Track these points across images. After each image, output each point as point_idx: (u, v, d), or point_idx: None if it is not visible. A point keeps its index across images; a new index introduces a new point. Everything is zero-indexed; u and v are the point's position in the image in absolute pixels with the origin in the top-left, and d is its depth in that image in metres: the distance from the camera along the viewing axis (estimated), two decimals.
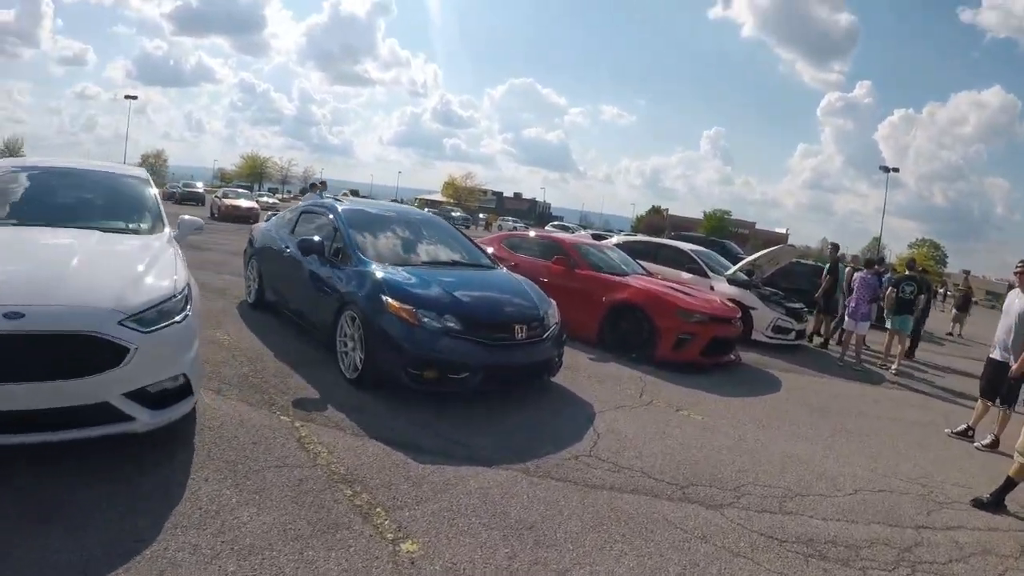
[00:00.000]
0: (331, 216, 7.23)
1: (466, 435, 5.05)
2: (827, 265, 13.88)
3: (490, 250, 10.30)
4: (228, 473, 3.84)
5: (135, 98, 76.61)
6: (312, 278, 6.81)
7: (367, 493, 3.87)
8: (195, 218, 5.91)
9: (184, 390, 3.98)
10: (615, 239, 15.70)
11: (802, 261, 17.44)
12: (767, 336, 11.23)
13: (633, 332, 8.69)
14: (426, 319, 5.55)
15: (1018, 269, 6.97)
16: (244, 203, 30.36)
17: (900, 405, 8.82)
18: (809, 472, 5.43)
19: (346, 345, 6.01)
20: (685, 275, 12.06)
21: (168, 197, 43.84)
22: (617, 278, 9.42)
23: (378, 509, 3.69)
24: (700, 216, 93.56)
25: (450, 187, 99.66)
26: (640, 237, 17.75)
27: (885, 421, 7.69)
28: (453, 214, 59.66)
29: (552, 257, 9.84)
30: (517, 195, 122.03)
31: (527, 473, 4.55)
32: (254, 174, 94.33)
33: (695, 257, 12.66)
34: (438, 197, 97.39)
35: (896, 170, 57.95)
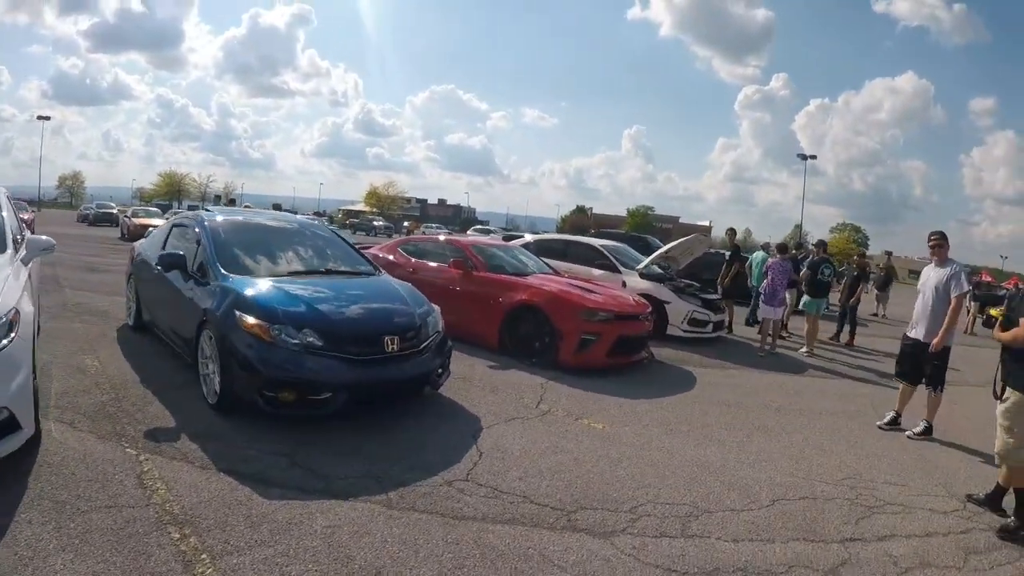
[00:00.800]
0: (197, 228, 6.59)
1: (328, 463, 4.41)
2: (728, 253, 13.52)
3: (391, 257, 9.72)
4: (54, 515, 3.40)
5: (48, 118, 76.01)
6: (176, 295, 6.20)
7: (196, 536, 3.34)
8: (46, 238, 5.54)
9: (8, 425, 3.59)
10: (528, 238, 15.03)
11: (721, 251, 17.07)
12: (683, 330, 10.62)
13: (534, 335, 7.97)
14: (282, 335, 4.96)
15: (932, 241, 6.48)
16: (155, 221, 28.17)
17: (824, 395, 8.26)
18: (720, 482, 4.73)
19: (207, 367, 5.40)
20: (596, 272, 11.45)
21: (82, 219, 43.55)
22: (517, 279, 8.68)
23: (204, 556, 3.17)
24: (624, 214, 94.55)
25: (373, 196, 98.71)
26: (550, 235, 17.10)
27: (808, 415, 7.09)
28: (375, 223, 59.30)
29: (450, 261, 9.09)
30: (441, 201, 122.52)
31: (388, 506, 3.88)
32: (172, 192, 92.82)
33: (606, 253, 12.03)
34: (362, 207, 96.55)
35: (814, 157, 59.56)
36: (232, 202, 21.62)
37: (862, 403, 7.90)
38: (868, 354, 12.07)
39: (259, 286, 5.51)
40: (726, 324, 12.24)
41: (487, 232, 41.53)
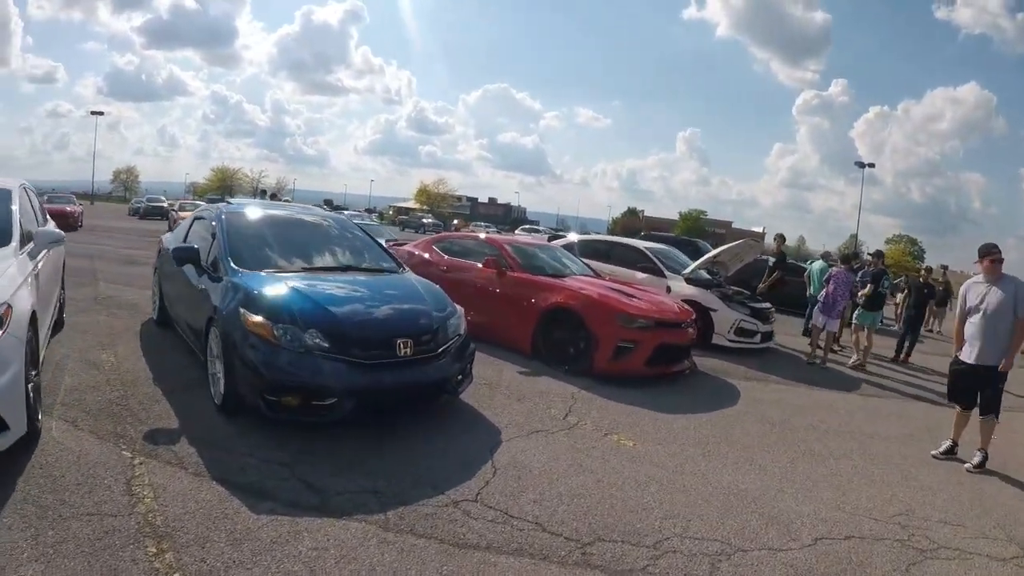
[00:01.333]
0: (214, 222, 6.35)
1: (328, 475, 4.15)
2: (772, 259, 12.78)
3: (426, 255, 9.57)
4: (34, 520, 3.24)
5: (101, 114, 77.95)
6: (190, 290, 6.02)
7: (174, 552, 3.11)
8: (54, 230, 5.61)
9: None
10: (572, 238, 14.59)
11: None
12: (729, 340, 10.08)
13: (569, 341, 7.57)
14: (286, 336, 4.70)
15: (995, 256, 5.88)
16: None
17: (876, 416, 7.67)
18: (758, 515, 4.29)
19: (215, 366, 5.13)
20: (640, 275, 10.98)
21: (133, 213, 45.10)
22: (554, 280, 8.28)
23: (176, 575, 2.94)
24: (676, 217, 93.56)
25: (423, 194, 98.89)
26: (594, 236, 16.62)
27: (858, 438, 6.55)
28: (424, 220, 59.50)
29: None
30: (492, 200, 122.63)
31: (384, 527, 3.56)
32: (224, 187, 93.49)
33: (650, 256, 11.52)
34: (412, 204, 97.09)
35: (872, 165, 58.40)
36: (274, 196, 21.65)
37: (917, 427, 7.33)
38: (923, 372, 11.41)
39: (268, 283, 5.22)
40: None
41: (535, 231, 41.23)
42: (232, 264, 5.52)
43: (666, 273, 10.99)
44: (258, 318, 4.76)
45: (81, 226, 24.46)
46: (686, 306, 8.73)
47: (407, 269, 6.69)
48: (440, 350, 5.23)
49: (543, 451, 4.94)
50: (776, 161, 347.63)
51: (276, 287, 5.13)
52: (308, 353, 4.66)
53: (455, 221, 52.47)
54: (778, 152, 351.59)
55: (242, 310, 4.85)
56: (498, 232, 54.64)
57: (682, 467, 5.01)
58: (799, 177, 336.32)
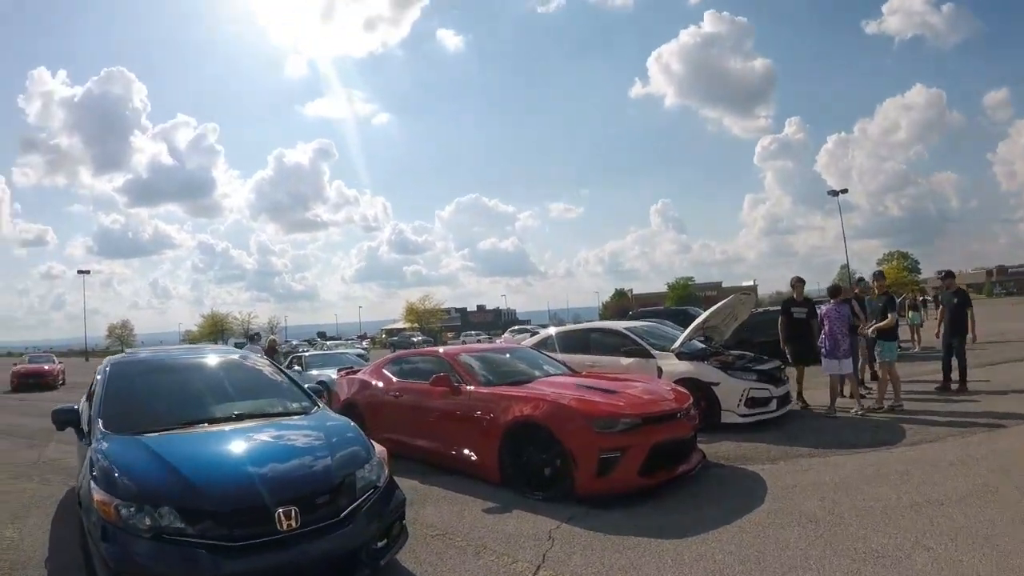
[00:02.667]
0: (99, 375, 5.49)
1: None
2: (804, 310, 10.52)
3: (377, 381, 8.49)
4: None
5: (88, 272, 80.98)
6: (79, 457, 5.20)
7: None
8: None
9: None
10: (550, 331, 13.04)
11: (771, 309, 15.14)
12: (741, 416, 8.50)
13: (541, 461, 6.09)
14: (133, 517, 3.67)
15: None
16: None
17: (935, 471, 6.10)
18: None
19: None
20: (624, 360, 9.57)
21: None
22: (515, 390, 6.80)
23: None
24: (665, 289, 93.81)
25: (412, 313, 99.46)
26: (571, 326, 15.25)
27: (925, 511, 5.00)
28: (414, 339, 59.02)
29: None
30: (480, 307, 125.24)
31: None
32: (216, 331, 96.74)
33: (633, 336, 10.01)
34: (402, 324, 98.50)
35: (844, 191, 57.90)
36: (252, 337, 21.06)
37: (987, 469, 5.94)
38: (958, 396, 10.05)
39: (123, 448, 4.26)
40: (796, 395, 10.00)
41: (524, 331, 39.93)
42: (101, 426, 4.61)
43: (653, 353, 9.51)
44: (103, 495, 3.80)
45: (63, 383, 25.49)
46: (680, 389, 7.26)
47: (321, 407, 5.51)
48: (344, 514, 4.02)
49: None
50: (750, 213, 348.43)
51: (128, 453, 4.18)
52: (159, 537, 3.63)
53: (445, 335, 51.43)
54: (750, 203, 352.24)
55: (92, 485, 3.92)
56: (489, 338, 53.78)
57: None
58: (776, 223, 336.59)
